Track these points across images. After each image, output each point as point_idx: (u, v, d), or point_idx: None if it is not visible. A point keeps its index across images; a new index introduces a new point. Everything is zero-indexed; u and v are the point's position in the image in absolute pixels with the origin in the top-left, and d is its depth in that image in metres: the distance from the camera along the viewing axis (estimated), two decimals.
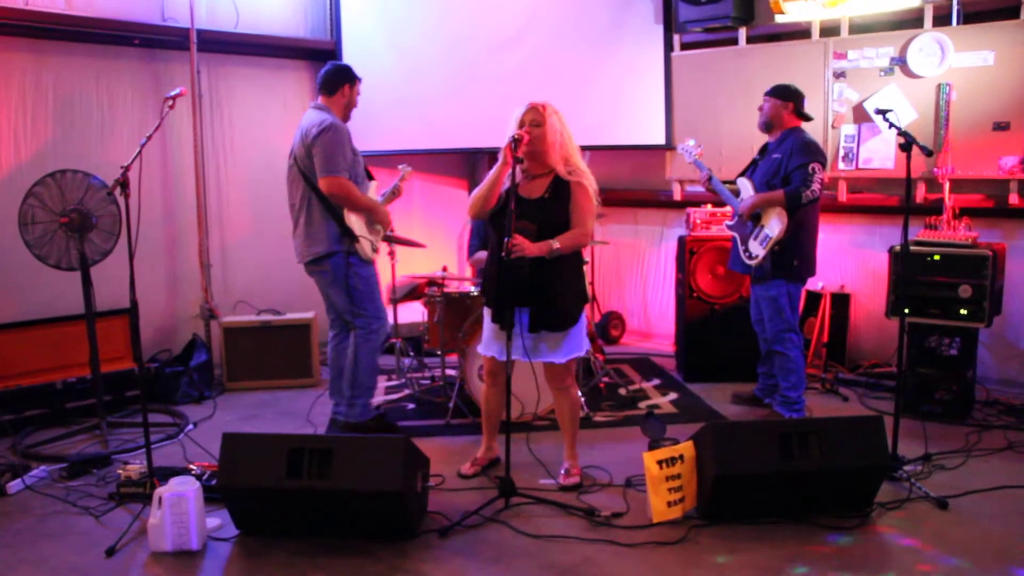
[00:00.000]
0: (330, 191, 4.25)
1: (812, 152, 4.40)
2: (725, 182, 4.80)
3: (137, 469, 3.75)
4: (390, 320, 5.49)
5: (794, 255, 4.47)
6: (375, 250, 4.50)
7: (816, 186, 4.33)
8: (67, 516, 3.60)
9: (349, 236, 4.34)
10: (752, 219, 4.60)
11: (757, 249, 4.56)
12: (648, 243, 6.87)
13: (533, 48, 6.42)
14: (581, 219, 3.65)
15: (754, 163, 4.72)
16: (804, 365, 4.66)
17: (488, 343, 3.86)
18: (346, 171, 4.28)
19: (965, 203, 5.01)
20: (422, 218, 7.47)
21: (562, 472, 3.89)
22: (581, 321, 3.79)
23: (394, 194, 4.77)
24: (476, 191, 3.69)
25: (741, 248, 4.69)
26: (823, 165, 4.41)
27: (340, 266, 4.37)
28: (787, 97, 4.55)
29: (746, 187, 4.67)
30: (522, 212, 3.58)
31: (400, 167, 4.93)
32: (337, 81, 4.43)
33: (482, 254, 5.95)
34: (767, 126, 4.62)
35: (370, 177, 4.61)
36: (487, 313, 3.86)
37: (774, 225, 4.45)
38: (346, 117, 4.48)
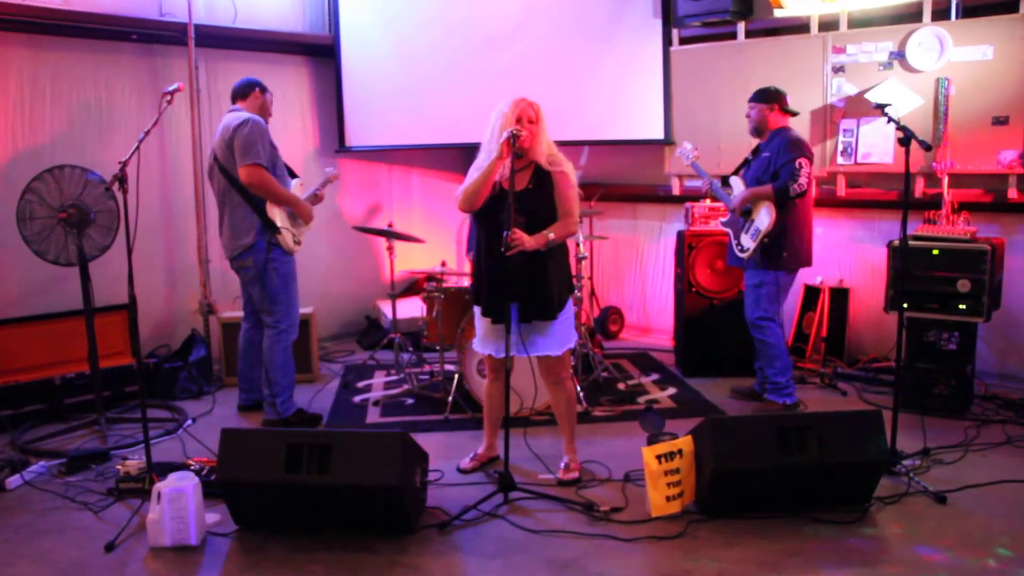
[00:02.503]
0: (249, 180, 4.32)
1: (799, 148, 4.51)
2: (719, 177, 4.88)
3: (136, 464, 3.76)
4: (388, 315, 5.48)
5: (784, 247, 4.56)
6: (297, 243, 4.58)
7: (803, 180, 4.42)
8: (66, 512, 3.60)
9: (271, 228, 4.42)
10: (743, 214, 4.69)
11: (748, 242, 4.65)
12: (647, 238, 6.87)
13: (532, 43, 6.41)
14: (568, 208, 3.69)
15: (746, 162, 4.82)
16: (786, 349, 4.73)
17: (483, 341, 3.86)
18: (265, 161, 4.35)
19: (964, 198, 5.00)
20: (420, 213, 7.47)
21: (561, 467, 3.89)
22: (569, 311, 3.80)
23: (315, 198, 4.84)
24: (466, 185, 3.67)
25: (734, 243, 4.79)
26: (810, 160, 4.51)
27: (261, 260, 4.45)
28: (770, 100, 4.66)
29: (738, 185, 4.79)
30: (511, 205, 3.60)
31: (326, 170, 4.97)
32: (247, 88, 4.60)
33: None
34: (757, 131, 4.73)
35: (292, 175, 4.68)
36: (478, 310, 3.85)
37: (763, 218, 4.54)
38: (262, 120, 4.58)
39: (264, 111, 4.59)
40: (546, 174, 3.69)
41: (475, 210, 3.70)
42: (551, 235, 3.60)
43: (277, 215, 4.46)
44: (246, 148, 4.31)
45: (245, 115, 4.42)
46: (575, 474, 3.85)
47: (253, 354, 4.84)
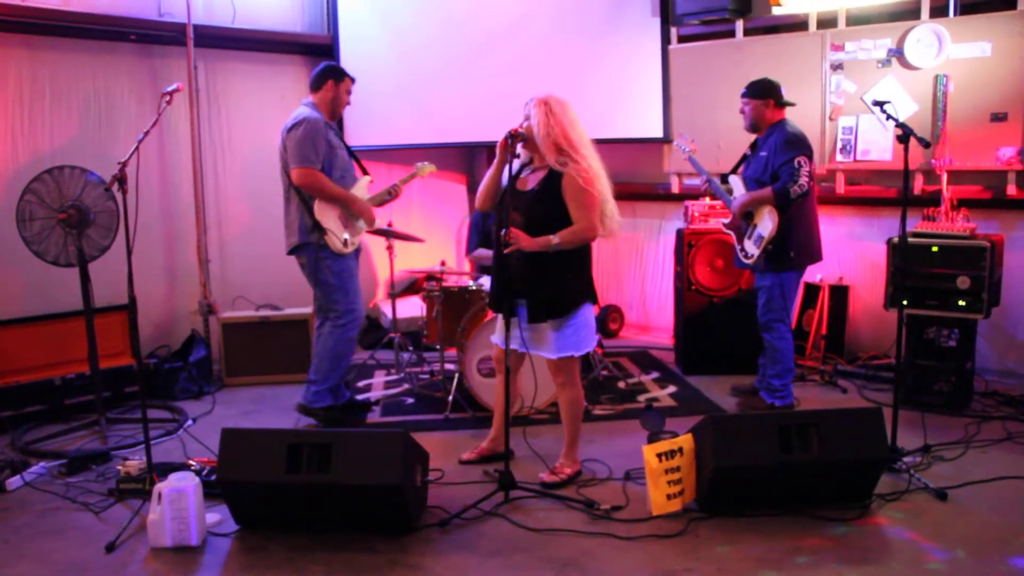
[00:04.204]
0: (299, 182, 4.34)
1: (797, 145, 4.39)
2: (719, 175, 4.84)
3: (136, 465, 3.75)
4: (388, 315, 5.48)
5: (791, 247, 4.47)
6: (346, 244, 4.48)
7: (804, 180, 4.32)
8: (67, 512, 3.60)
9: (318, 229, 4.40)
10: (745, 218, 4.62)
11: (752, 248, 4.60)
12: (646, 236, 6.87)
13: (531, 41, 6.42)
14: (581, 214, 3.58)
15: (745, 159, 4.74)
16: (791, 355, 4.66)
17: (499, 333, 3.85)
18: (317, 162, 4.35)
19: (963, 194, 5.00)
20: (420, 213, 7.46)
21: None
22: (580, 319, 3.71)
23: (389, 193, 4.77)
24: (482, 183, 3.79)
25: (738, 247, 4.73)
26: (809, 157, 4.40)
27: (312, 259, 4.46)
28: (766, 94, 4.54)
29: (738, 185, 4.71)
30: (515, 204, 3.64)
31: (417, 164, 4.90)
32: (321, 78, 4.57)
33: (480, 251, 5.96)
34: (753, 127, 4.63)
35: (364, 172, 4.66)
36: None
37: (766, 223, 4.47)
38: (333, 113, 4.58)
39: (337, 103, 4.57)
40: (556, 176, 3.62)
41: (490, 208, 3.80)
42: (555, 239, 3.55)
43: (327, 217, 4.40)
44: (296, 150, 4.32)
45: (303, 114, 4.41)
46: (556, 478, 3.76)
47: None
